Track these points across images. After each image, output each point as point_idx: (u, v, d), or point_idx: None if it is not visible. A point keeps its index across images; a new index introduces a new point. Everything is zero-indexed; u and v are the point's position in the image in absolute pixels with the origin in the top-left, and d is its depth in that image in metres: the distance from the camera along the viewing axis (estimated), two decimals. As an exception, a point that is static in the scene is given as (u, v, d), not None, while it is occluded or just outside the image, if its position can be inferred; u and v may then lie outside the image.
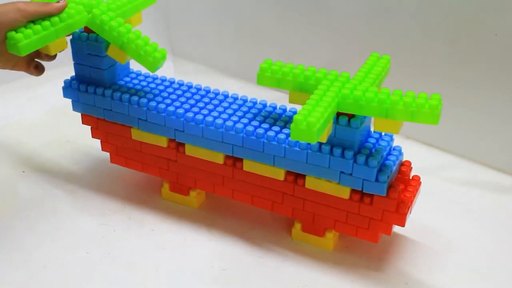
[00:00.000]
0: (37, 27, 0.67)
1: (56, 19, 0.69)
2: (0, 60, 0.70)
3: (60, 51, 0.73)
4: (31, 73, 0.75)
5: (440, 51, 0.90)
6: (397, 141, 0.71)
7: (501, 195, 0.86)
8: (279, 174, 0.70)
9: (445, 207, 0.82)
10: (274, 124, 0.70)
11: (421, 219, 0.77)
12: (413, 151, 0.81)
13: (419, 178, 0.71)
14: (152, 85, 0.78)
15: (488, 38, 0.85)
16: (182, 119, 0.72)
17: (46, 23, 0.68)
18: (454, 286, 0.69)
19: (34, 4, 0.68)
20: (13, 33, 0.66)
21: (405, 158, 0.72)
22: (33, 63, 0.74)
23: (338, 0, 0.99)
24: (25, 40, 0.66)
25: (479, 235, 0.77)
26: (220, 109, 0.73)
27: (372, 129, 0.69)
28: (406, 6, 0.91)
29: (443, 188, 0.86)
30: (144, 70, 0.81)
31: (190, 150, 0.74)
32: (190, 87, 0.79)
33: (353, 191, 0.67)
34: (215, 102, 0.75)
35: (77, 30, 0.74)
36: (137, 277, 0.69)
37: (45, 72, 0.75)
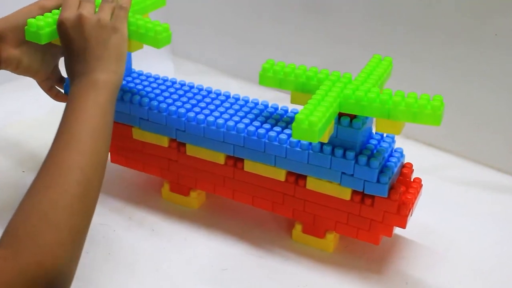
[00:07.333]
0: (56, 17, 0.67)
1: None
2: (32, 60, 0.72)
3: None
4: (52, 97, 0.79)
5: (440, 51, 0.90)
6: (397, 141, 0.71)
7: (501, 195, 0.86)
8: (280, 174, 0.69)
9: (445, 207, 0.82)
10: (275, 125, 0.70)
11: (421, 219, 0.76)
12: (413, 151, 0.81)
13: (421, 180, 0.71)
14: (154, 85, 0.78)
15: (488, 38, 0.85)
16: (184, 118, 0.72)
17: None
18: (454, 286, 0.69)
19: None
20: (33, 20, 0.66)
21: (405, 158, 0.72)
22: (55, 90, 0.78)
23: (341, 0, 0.99)
24: (47, 28, 0.66)
25: (479, 235, 0.77)
26: (221, 109, 0.73)
27: (373, 130, 0.69)
28: (407, 7, 0.91)
29: (443, 188, 0.86)
30: (146, 70, 0.81)
31: (191, 150, 0.74)
32: (191, 87, 0.79)
33: (354, 192, 0.67)
34: (217, 102, 0.75)
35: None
36: (137, 277, 0.69)
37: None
